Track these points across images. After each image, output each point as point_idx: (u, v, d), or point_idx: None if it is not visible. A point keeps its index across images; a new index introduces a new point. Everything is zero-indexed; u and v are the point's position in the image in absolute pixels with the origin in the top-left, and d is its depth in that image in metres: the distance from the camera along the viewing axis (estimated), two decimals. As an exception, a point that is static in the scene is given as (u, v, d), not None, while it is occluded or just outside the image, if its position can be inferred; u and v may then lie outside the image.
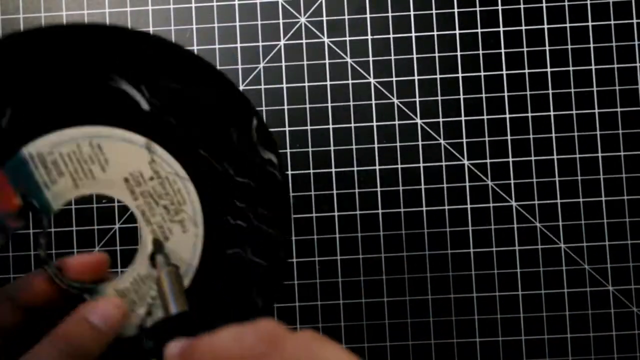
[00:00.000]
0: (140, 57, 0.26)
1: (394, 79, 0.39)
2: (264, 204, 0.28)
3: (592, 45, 0.39)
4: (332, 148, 0.38)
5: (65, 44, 0.25)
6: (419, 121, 0.39)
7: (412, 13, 0.39)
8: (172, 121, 0.27)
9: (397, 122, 0.39)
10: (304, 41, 0.39)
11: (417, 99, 0.39)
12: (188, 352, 0.21)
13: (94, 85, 0.26)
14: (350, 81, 0.39)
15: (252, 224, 0.28)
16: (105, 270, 0.27)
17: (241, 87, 0.39)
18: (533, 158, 0.38)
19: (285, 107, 0.39)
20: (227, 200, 0.28)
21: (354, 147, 0.38)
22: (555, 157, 0.38)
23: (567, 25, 0.39)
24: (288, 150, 0.38)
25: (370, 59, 0.39)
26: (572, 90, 0.38)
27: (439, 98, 0.39)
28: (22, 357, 0.23)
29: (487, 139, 0.38)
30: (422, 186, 0.38)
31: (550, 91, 0.38)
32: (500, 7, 0.39)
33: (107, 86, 0.26)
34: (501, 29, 0.39)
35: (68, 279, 0.26)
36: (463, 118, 0.38)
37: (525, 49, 0.39)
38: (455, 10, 0.39)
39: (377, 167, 0.38)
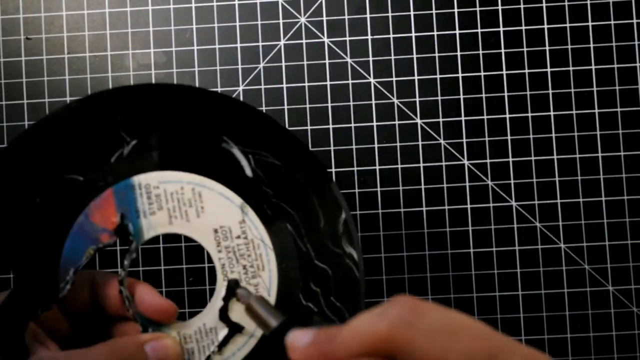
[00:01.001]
0: (253, 131, 0.29)
1: (394, 79, 0.39)
2: (337, 294, 0.29)
3: (592, 45, 0.39)
4: (332, 148, 0.38)
5: (194, 101, 0.28)
6: (419, 121, 0.39)
7: (412, 13, 0.39)
8: (268, 192, 0.29)
9: (397, 122, 0.39)
10: (304, 41, 0.39)
11: (417, 99, 0.39)
12: (326, 335, 0.20)
13: (209, 142, 0.29)
14: (350, 81, 0.39)
15: (322, 310, 0.29)
16: (172, 319, 0.28)
17: (241, 87, 0.39)
18: (533, 158, 0.38)
19: (285, 107, 0.39)
20: (304, 280, 0.29)
21: (354, 147, 0.38)
22: (555, 157, 0.38)
23: (567, 25, 0.39)
24: (288, 150, 0.38)
25: (370, 59, 0.39)
26: (572, 90, 0.38)
27: (439, 98, 0.39)
28: (76, 350, 0.24)
29: (487, 139, 0.38)
30: (422, 186, 0.38)
31: (550, 91, 0.38)
32: (500, 7, 0.39)
33: (220, 146, 0.29)
34: (501, 29, 0.39)
35: (136, 309, 0.28)
36: (463, 118, 0.38)
37: (525, 49, 0.39)
38: (455, 10, 0.39)
39: (377, 167, 0.38)
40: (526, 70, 0.39)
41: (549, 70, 0.39)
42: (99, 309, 0.28)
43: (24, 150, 0.27)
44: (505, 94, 0.39)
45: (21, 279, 0.27)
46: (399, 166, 0.38)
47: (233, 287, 0.28)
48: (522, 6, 0.39)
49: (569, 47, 0.39)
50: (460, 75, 0.39)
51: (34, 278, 0.27)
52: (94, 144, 0.28)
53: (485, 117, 0.38)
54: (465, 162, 0.38)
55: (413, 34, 0.39)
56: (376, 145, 0.38)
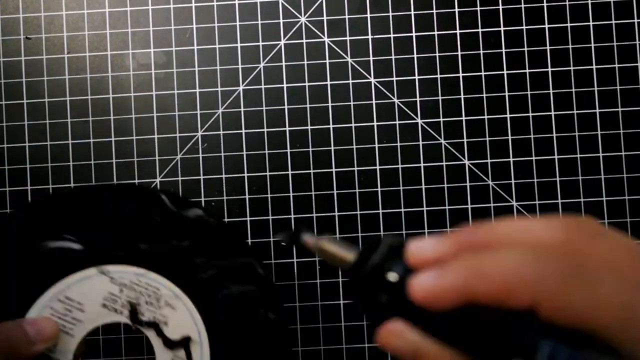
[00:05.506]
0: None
1: (395, 78, 0.39)
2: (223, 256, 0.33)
3: (593, 45, 0.38)
4: (332, 148, 0.38)
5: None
6: (419, 121, 0.38)
7: (412, 13, 0.39)
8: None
9: (397, 122, 0.38)
10: (304, 41, 0.39)
11: (418, 99, 0.39)
12: (475, 226, 0.19)
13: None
14: (350, 81, 0.39)
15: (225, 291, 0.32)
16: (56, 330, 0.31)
17: (241, 87, 0.39)
18: (534, 158, 0.38)
19: (286, 107, 0.38)
20: (191, 266, 0.32)
21: (354, 147, 0.38)
22: (556, 157, 0.38)
23: (568, 24, 0.39)
24: (288, 150, 0.38)
25: (371, 58, 0.39)
26: (573, 90, 0.38)
27: (440, 98, 0.39)
28: None
29: (487, 138, 0.38)
30: (423, 186, 0.38)
31: (551, 91, 0.38)
32: (501, 7, 0.39)
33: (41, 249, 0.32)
34: (502, 28, 0.39)
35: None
36: (464, 118, 0.38)
37: (526, 49, 0.39)
38: (456, 9, 0.39)
39: (378, 167, 0.38)
40: (527, 70, 0.38)
41: (549, 70, 0.38)
42: None
43: None
44: (506, 93, 0.38)
45: None
46: (400, 166, 0.38)
47: (296, 235, 0.24)
48: (522, 6, 0.39)
49: (570, 46, 0.39)
50: (460, 75, 0.39)
51: None
52: None
53: (486, 117, 0.38)
54: (466, 162, 0.38)
55: (414, 34, 0.39)
56: (376, 145, 0.38)
